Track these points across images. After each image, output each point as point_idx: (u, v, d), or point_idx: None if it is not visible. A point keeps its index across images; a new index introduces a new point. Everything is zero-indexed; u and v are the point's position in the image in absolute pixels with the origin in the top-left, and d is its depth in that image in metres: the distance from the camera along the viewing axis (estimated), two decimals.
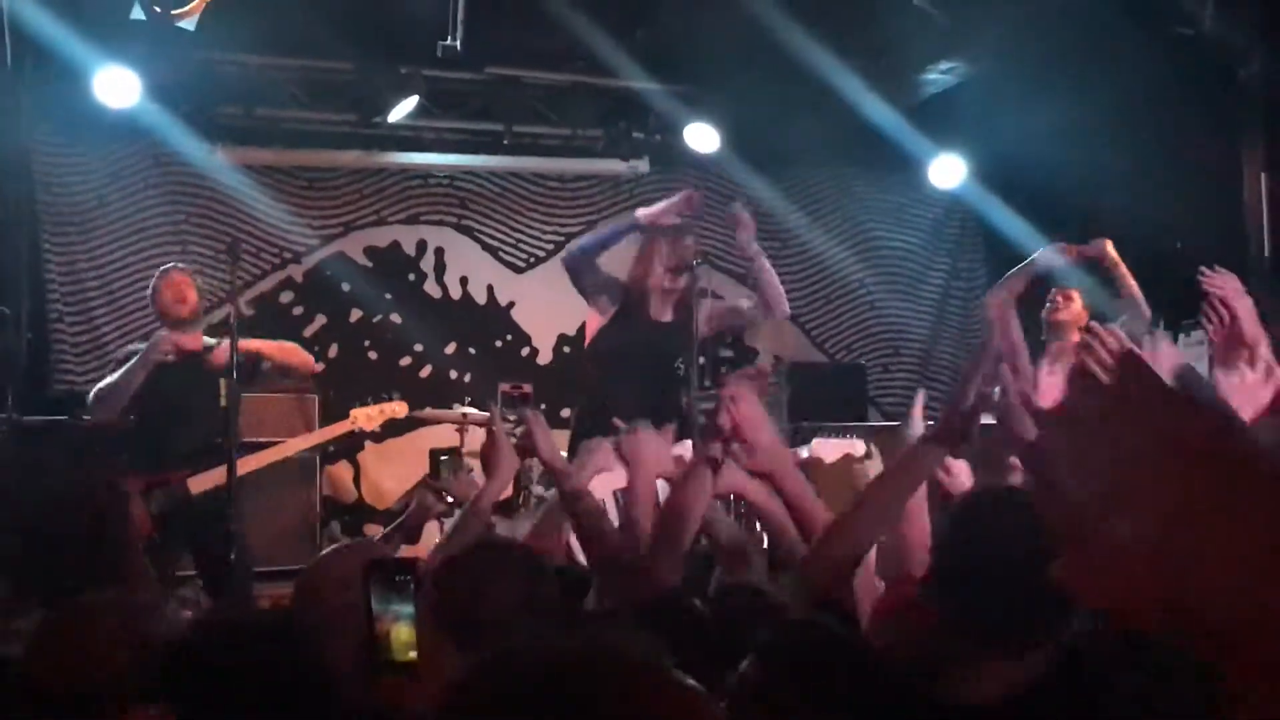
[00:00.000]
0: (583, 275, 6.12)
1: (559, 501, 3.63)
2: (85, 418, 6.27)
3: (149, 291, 6.42)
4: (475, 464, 4.28)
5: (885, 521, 2.81)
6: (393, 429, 8.38)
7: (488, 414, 3.90)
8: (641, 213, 6.09)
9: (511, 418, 3.82)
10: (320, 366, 6.84)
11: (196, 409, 6.10)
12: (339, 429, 6.72)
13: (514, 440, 3.85)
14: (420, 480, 5.97)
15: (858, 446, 6.50)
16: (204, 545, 6.06)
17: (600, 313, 6.11)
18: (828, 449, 6.46)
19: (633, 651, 1.16)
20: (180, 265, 6.69)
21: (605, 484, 4.28)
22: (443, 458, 6.31)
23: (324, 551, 3.44)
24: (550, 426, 5.68)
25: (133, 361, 6.18)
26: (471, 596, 2.55)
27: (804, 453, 6.35)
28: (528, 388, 4.07)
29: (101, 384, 6.25)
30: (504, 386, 3.94)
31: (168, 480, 6.10)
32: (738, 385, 3.03)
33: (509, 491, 7.65)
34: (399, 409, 6.78)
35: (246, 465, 6.10)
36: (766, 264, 6.18)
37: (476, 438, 6.29)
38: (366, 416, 6.65)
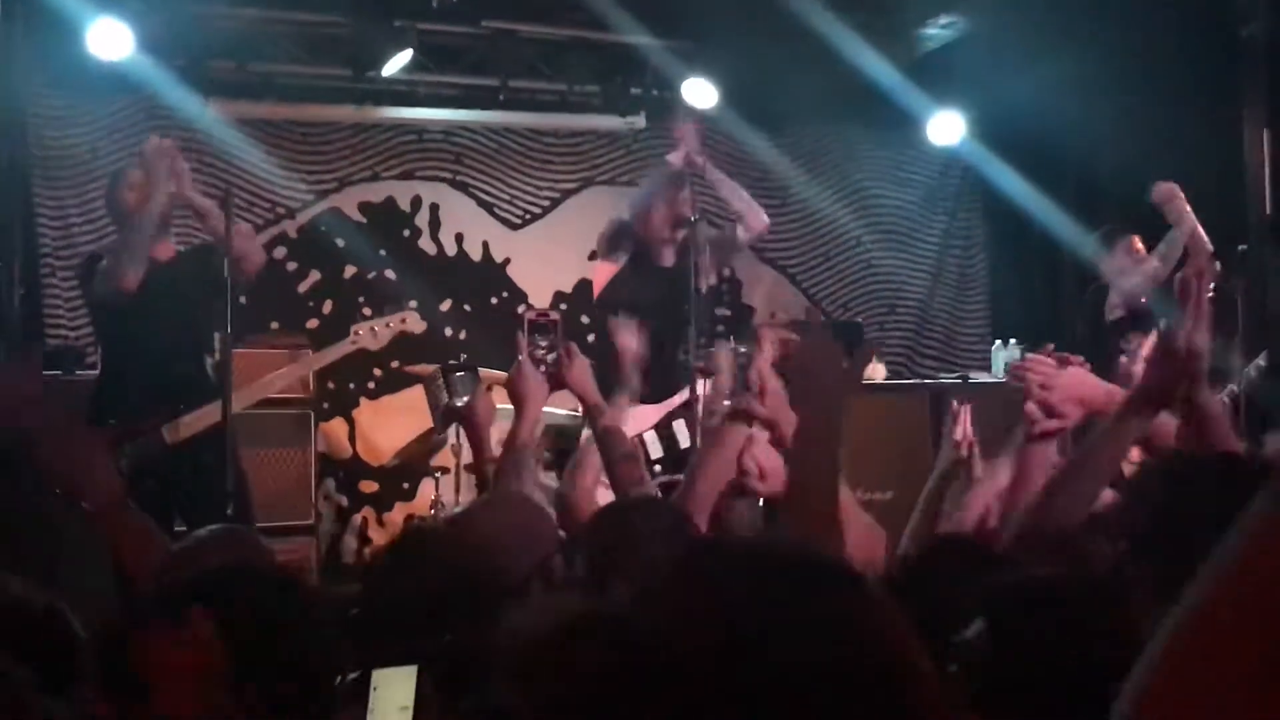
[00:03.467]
0: (625, 240, 6.22)
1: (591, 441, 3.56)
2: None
3: (104, 198, 5.84)
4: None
5: (1104, 481, 2.70)
6: (387, 385, 8.39)
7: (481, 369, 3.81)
8: (673, 156, 6.31)
9: (543, 345, 3.66)
10: (261, 259, 5.84)
11: (164, 339, 5.45)
12: (337, 352, 6.02)
13: (544, 370, 3.67)
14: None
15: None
16: (188, 505, 5.28)
17: (614, 263, 6.20)
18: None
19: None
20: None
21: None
22: (459, 374, 5.43)
23: (476, 500, 3.30)
24: None
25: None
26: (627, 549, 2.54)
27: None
28: (555, 315, 3.91)
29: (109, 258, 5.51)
30: (530, 314, 3.77)
31: (138, 431, 5.34)
32: (770, 335, 2.98)
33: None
34: (411, 322, 5.97)
35: (238, 401, 5.38)
36: (721, 175, 6.36)
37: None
38: (371, 333, 5.79)
